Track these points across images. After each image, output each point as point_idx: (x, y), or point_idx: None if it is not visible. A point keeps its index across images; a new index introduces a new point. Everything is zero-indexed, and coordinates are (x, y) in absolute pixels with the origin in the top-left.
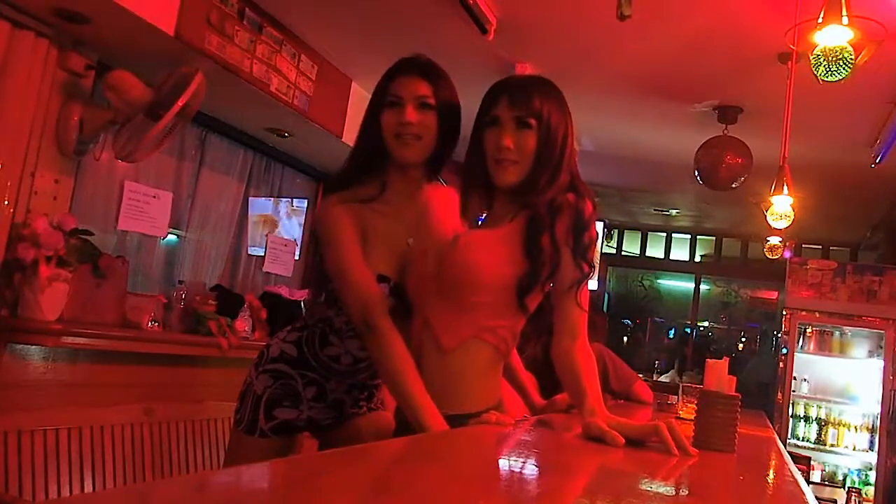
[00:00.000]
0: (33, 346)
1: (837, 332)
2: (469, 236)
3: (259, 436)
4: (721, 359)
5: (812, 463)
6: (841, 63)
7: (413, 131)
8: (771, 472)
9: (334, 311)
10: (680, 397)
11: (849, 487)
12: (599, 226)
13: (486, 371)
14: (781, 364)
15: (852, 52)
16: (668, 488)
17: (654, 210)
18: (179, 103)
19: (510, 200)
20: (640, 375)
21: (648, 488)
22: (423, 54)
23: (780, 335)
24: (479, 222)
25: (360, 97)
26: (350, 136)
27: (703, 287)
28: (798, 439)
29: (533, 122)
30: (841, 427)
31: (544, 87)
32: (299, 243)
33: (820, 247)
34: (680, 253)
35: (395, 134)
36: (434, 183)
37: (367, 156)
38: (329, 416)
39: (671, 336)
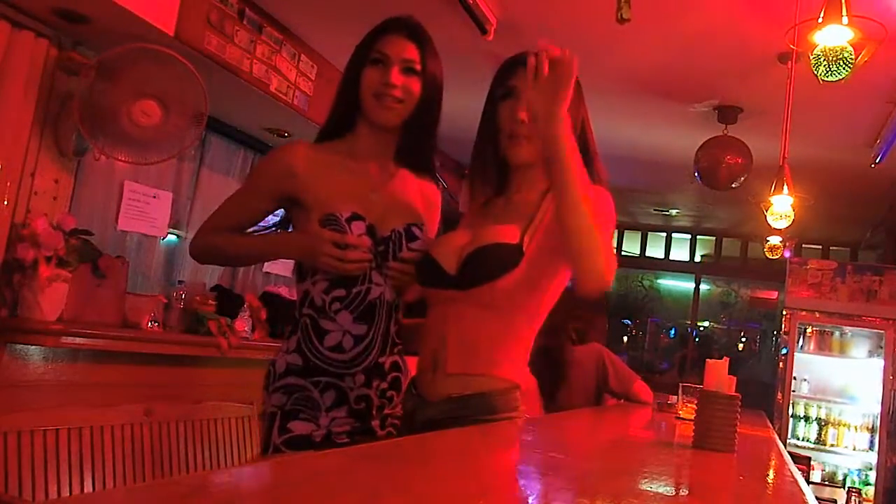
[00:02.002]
0: (33, 346)
1: (837, 332)
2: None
3: (273, 452)
4: (721, 359)
5: (812, 463)
6: (841, 63)
7: (396, 94)
8: (771, 472)
9: (309, 281)
10: (680, 397)
11: (849, 487)
12: None
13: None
14: (781, 364)
15: (852, 52)
16: (668, 488)
17: (654, 210)
18: (112, 52)
19: (530, 179)
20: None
21: (648, 488)
22: (411, 16)
23: (780, 335)
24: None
25: None
26: None
27: (703, 287)
28: (798, 439)
29: None
30: (841, 427)
31: None
32: None
33: (820, 247)
34: (680, 253)
35: (377, 94)
36: (405, 156)
37: (341, 117)
38: (349, 426)
39: (671, 336)
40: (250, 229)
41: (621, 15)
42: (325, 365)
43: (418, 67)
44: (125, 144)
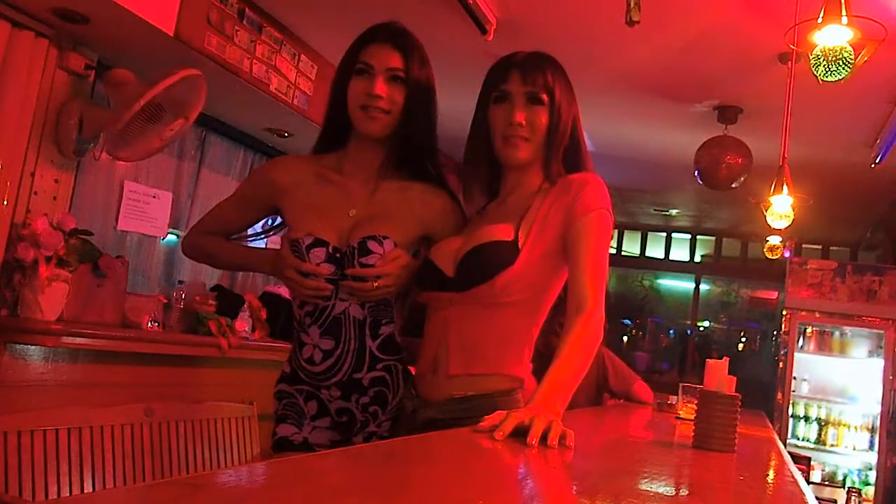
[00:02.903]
0: (33, 346)
1: (837, 332)
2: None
3: (269, 456)
4: (721, 359)
5: (812, 463)
6: (841, 63)
7: (381, 105)
8: (771, 472)
9: (293, 296)
10: (680, 397)
11: (849, 487)
12: None
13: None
14: (781, 364)
15: (852, 52)
16: (668, 488)
17: (654, 210)
18: (157, 89)
19: (523, 180)
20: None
21: (648, 488)
22: (397, 21)
23: (780, 335)
24: (484, 209)
25: None
26: None
27: (703, 287)
28: (798, 439)
29: (545, 97)
30: (841, 427)
31: (554, 64)
32: None
33: (820, 247)
34: (680, 253)
35: (362, 105)
36: (394, 164)
37: (335, 129)
38: (330, 439)
39: (671, 336)
40: (249, 232)
41: (630, 17)
42: (303, 375)
43: (403, 75)
44: (145, 153)
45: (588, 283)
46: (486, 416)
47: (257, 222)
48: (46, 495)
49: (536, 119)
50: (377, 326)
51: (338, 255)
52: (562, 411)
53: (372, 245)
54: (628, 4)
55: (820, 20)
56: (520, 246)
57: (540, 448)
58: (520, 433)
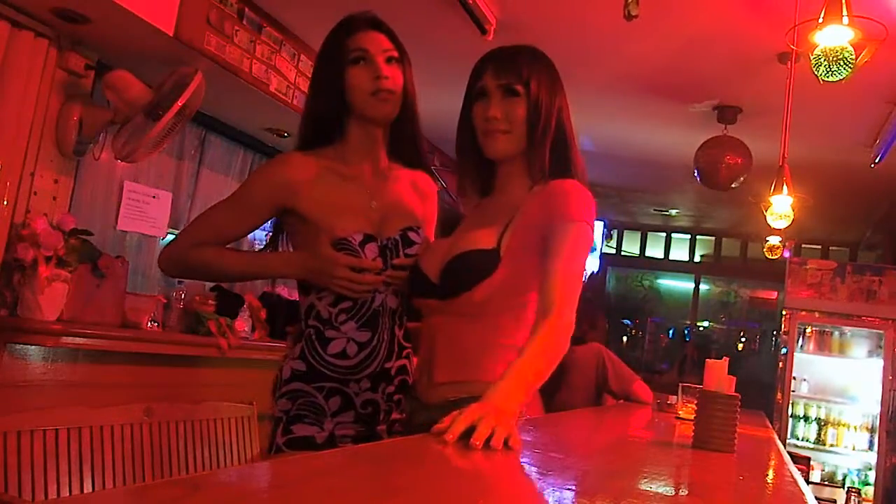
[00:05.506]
0: (33, 346)
1: (837, 332)
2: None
3: (275, 452)
4: (721, 359)
5: (812, 463)
6: (841, 63)
7: (390, 86)
8: (771, 472)
9: (314, 294)
10: (680, 397)
11: (848, 487)
12: (599, 225)
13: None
14: (781, 364)
15: (853, 52)
16: (668, 488)
17: (654, 210)
18: (179, 103)
19: (512, 174)
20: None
21: (648, 488)
22: (369, 10)
23: (779, 335)
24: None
25: None
26: None
27: (702, 287)
28: (798, 439)
29: (520, 89)
30: (840, 427)
31: (531, 55)
32: None
33: (820, 247)
34: (680, 253)
35: (373, 91)
36: (395, 156)
37: (326, 120)
38: (354, 432)
39: (671, 336)
40: (249, 238)
41: (629, 11)
42: (328, 371)
43: (397, 55)
44: (151, 153)
45: (558, 291)
46: (444, 418)
47: (259, 227)
48: (46, 495)
49: (513, 111)
50: (403, 315)
51: (378, 245)
52: (519, 410)
53: (413, 236)
54: None
55: (821, 20)
56: (501, 254)
57: (539, 449)
58: (469, 434)
